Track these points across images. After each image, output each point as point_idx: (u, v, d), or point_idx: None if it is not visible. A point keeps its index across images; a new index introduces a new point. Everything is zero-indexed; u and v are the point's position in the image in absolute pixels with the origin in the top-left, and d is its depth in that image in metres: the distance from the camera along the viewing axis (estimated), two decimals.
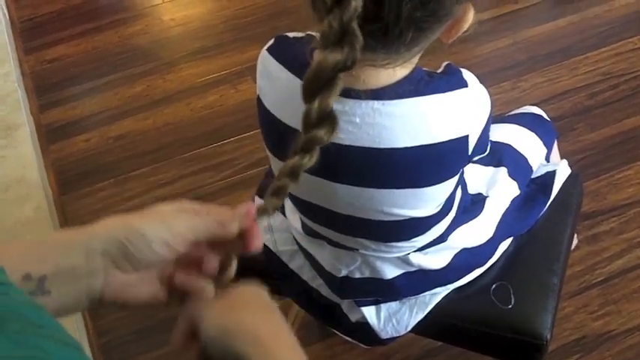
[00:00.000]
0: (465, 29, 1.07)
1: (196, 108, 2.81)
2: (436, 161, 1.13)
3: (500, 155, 1.53)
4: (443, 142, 1.10)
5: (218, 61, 2.99)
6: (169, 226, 0.75)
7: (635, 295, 2.09)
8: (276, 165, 1.27)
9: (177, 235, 0.74)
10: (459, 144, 1.12)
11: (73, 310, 0.74)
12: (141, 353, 2.11)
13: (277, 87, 1.15)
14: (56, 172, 2.62)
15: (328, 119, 0.73)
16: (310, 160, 0.76)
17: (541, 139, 1.63)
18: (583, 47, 2.82)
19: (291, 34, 1.18)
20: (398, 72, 1.06)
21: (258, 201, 0.80)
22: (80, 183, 2.59)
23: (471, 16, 1.05)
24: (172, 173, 2.56)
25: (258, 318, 0.76)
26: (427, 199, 1.19)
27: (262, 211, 0.79)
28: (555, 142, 1.73)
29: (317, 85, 0.72)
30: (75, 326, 1.89)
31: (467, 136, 1.12)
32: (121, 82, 2.96)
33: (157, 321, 2.15)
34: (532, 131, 1.63)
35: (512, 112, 1.75)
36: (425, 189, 1.16)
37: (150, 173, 2.58)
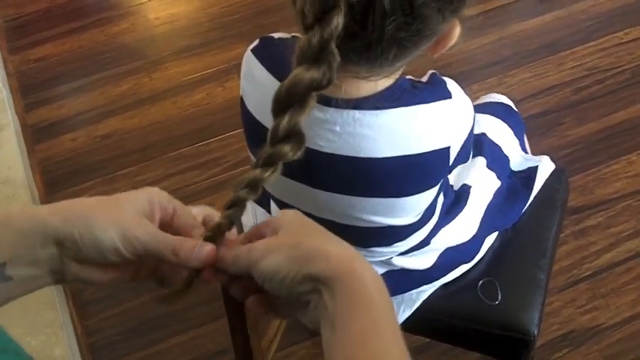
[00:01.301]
0: (451, 45, 1.06)
1: (183, 106, 2.80)
2: (416, 172, 1.12)
3: (479, 146, 1.52)
4: (424, 152, 1.09)
5: (204, 59, 2.97)
6: (124, 232, 0.72)
7: (623, 289, 2.10)
8: None
9: (128, 245, 0.72)
10: (440, 155, 1.11)
11: (38, 288, 0.73)
12: (129, 353, 2.11)
13: (260, 90, 1.14)
14: (42, 172, 2.60)
15: (295, 136, 0.72)
16: (273, 174, 0.73)
17: (512, 130, 1.63)
18: (569, 42, 2.82)
19: (276, 35, 1.17)
20: (380, 82, 1.06)
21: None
22: (67, 183, 2.58)
23: (457, 32, 1.03)
24: (159, 172, 2.55)
25: (332, 242, 0.71)
26: (407, 209, 1.18)
27: (218, 227, 0.75)
28: (525, 134, 1.72)
29: (289, 101, 0.71)
30: (63, 326, 1.88)
31: (448, 148, 1.11)
32: (107, 81, 2.94)
33: (145, 321, 2.15)
34: (504, 122, 1.63)
35: (482, 101, 1.74)
36: (404, 199, 1.15)
37: (136, 172, 2.57)
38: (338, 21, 0.70)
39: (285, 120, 0.71)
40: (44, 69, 3.04)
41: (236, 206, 0.75)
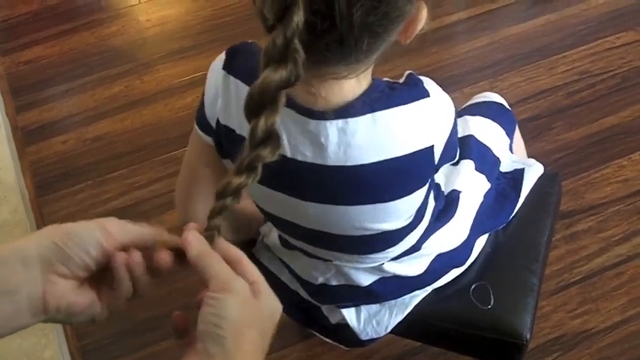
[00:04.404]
0: (420, 28, 1.05)
1: (174, 109, 2.79)
2: (403, 174, 1.12)
3: (467, 148, 1.52)
4: (407, 154, 1.09)
5: (195, 62, 2.97)
6: (103, 227, 0.75)
7: (613, 293, 2.10)
8: None
9: (109, 236, 0.75)
10: (425, 155, 1.11)
11: (16, 327, 0.72)
12: (120, 356, 2.10)
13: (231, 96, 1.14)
14: (33, 175, 2.59)
15: (273, 137, 0.74)
16: (255, 179, 0.76)
17: (504, 129, 1.62)
18: (561, 46, 2.82)
19: (238, 44, 1.16)
20: (362, 84, 1.05)
21: None
22: (57, 185, 2.57)
23: (424, 14, 1.03)
24: (150, 175, 2.54)
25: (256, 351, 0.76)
26: (397, 212, 1.18)
27: (207, 238, 0.78)
28: (518, 132, 1.72)
29: (261, 103, 0.73)
30: (53, 328, 1.87)
31: (432, 147, 1.11)
32: (98, 84, 2.93)
33: (136, 323, 2.14)
34: (494, 121, 1.62)
35: (474, 101, 1.73)
36: (393, 202, 1.15)
37: (127, 175, 2.56)
38: (299, 17, 0.72)
39: (262, 122, 0.73)
40: (34, 71, 3.03)
41: (222, 214, 0.78)
